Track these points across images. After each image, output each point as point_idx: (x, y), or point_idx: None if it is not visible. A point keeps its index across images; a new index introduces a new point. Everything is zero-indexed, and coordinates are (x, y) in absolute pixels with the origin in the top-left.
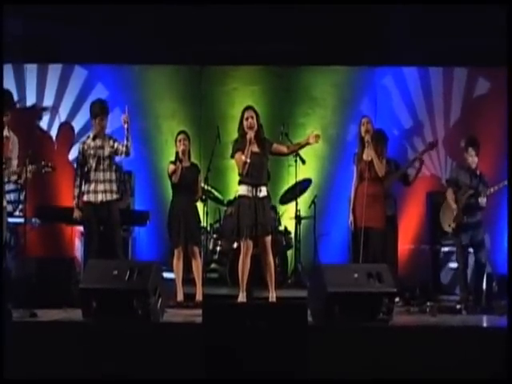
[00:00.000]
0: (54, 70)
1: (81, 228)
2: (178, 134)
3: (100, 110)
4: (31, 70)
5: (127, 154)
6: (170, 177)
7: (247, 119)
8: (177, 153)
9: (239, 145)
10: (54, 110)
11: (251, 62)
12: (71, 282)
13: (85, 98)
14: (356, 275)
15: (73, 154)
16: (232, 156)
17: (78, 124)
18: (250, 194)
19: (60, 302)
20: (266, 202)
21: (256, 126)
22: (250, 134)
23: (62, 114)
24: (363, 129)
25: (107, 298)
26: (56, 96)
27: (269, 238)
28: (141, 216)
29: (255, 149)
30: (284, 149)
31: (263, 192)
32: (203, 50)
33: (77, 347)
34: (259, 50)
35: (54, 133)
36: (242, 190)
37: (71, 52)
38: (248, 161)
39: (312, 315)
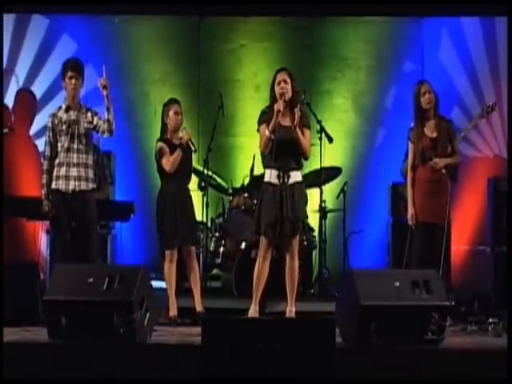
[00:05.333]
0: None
1: (47, 224)
2: (171, 103)
3: (72, 70)
4: None
5: (110, 131)
6: (159, 160)
7: (279, 84)
8: (164, 127)
9: (267, 116)
10: (10, 72)
11: (263, 12)
12: (34, 292)
13: (48, 58)
14: (397, 284)
15: (35, 128)
16: (258, 129)
17: (39, 90)
18: (277, 181)
19: (19, 319)
20: (298, 190)
21: (290, 94)
22: (279, 103)
23: (20, 78)
24: (424, 99)
25: (80, 312)
26: (10, 55)
27: (297, 239)
28: (123, 208)
29: (286, 122)
30: (302, 138)
31: (293, 178)
32: None
33: (41, 376)
34: None
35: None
36: (267, 175)
37: None
38: (273, 137)
39: (341, 335)
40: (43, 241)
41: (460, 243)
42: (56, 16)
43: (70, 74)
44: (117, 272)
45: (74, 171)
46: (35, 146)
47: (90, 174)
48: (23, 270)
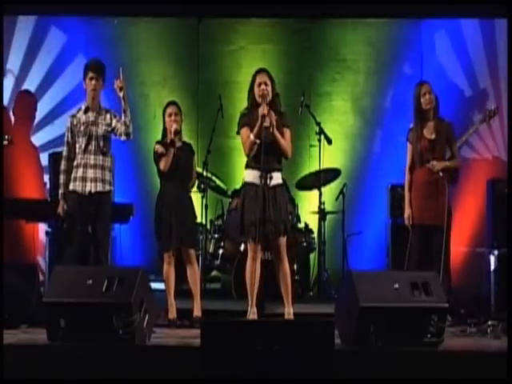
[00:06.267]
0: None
1: (45, 226)
2: (167, 105)
3: (92, 71)
4: None
5: (127, 134)
6: (157, 162)
7: (259, 85)
8: (164, 130)
9: (247, 118)
10: (10, 73)
11: (262, 13)
12: (33, 294)
13: (50, 59)
14: (396, 285)
15: (47, 138)
16: (238, 132)
17: (39, 93)
18: (258, 182)
19: (18, 320)
20: (280, 192)
21: (271, 96)
22: (263, 106)
23: (20, 80)
24: (424, 100)
25: (79, 314)
26: (11, 56)
27: (282, 240)
28: (122, 210)
29: (266, 124)
30: (281, 139)
31: (276, 179)
32: None
33: (40, 378)
34: None
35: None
36: (249, 176)
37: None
38: (257, 141)
39: (340, 336)
40: (42, 242)
41: (459, 245)
42: (71, 29)
43: (90, 74)
44: (116, 274)
45: (90, 173)
46: (35, 148)
47: (107, 175)
48: (22, 272)
